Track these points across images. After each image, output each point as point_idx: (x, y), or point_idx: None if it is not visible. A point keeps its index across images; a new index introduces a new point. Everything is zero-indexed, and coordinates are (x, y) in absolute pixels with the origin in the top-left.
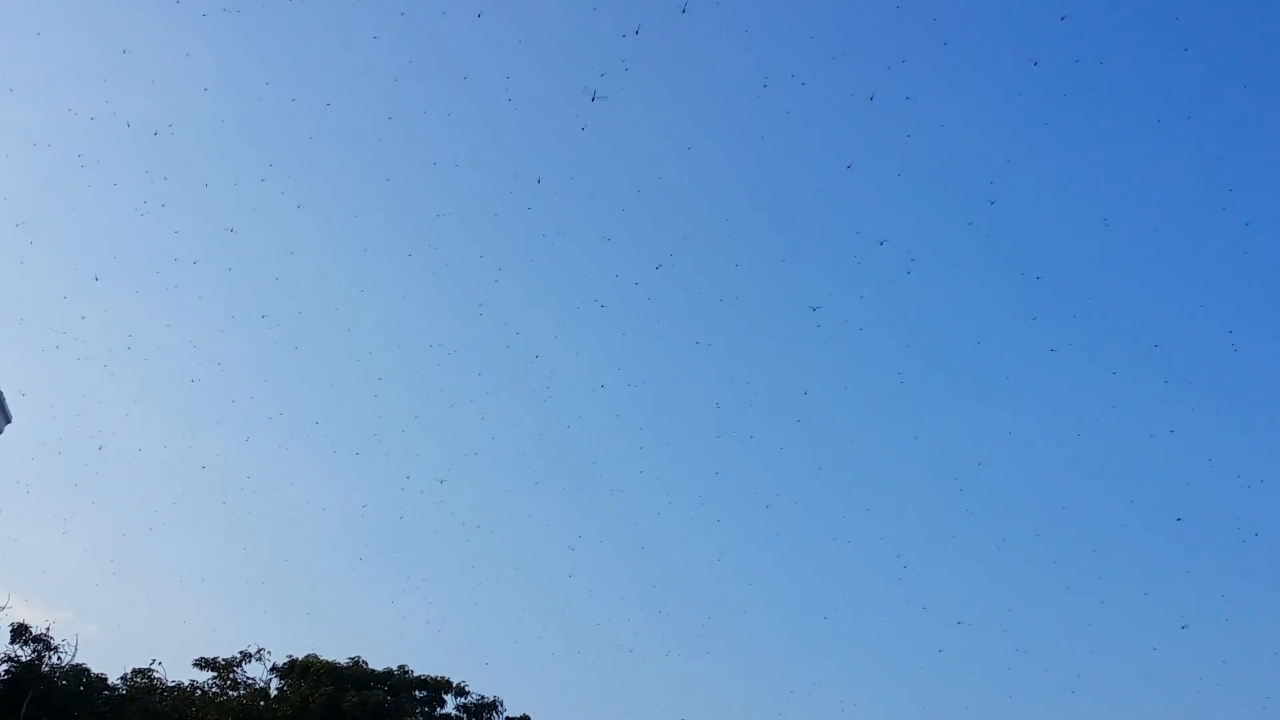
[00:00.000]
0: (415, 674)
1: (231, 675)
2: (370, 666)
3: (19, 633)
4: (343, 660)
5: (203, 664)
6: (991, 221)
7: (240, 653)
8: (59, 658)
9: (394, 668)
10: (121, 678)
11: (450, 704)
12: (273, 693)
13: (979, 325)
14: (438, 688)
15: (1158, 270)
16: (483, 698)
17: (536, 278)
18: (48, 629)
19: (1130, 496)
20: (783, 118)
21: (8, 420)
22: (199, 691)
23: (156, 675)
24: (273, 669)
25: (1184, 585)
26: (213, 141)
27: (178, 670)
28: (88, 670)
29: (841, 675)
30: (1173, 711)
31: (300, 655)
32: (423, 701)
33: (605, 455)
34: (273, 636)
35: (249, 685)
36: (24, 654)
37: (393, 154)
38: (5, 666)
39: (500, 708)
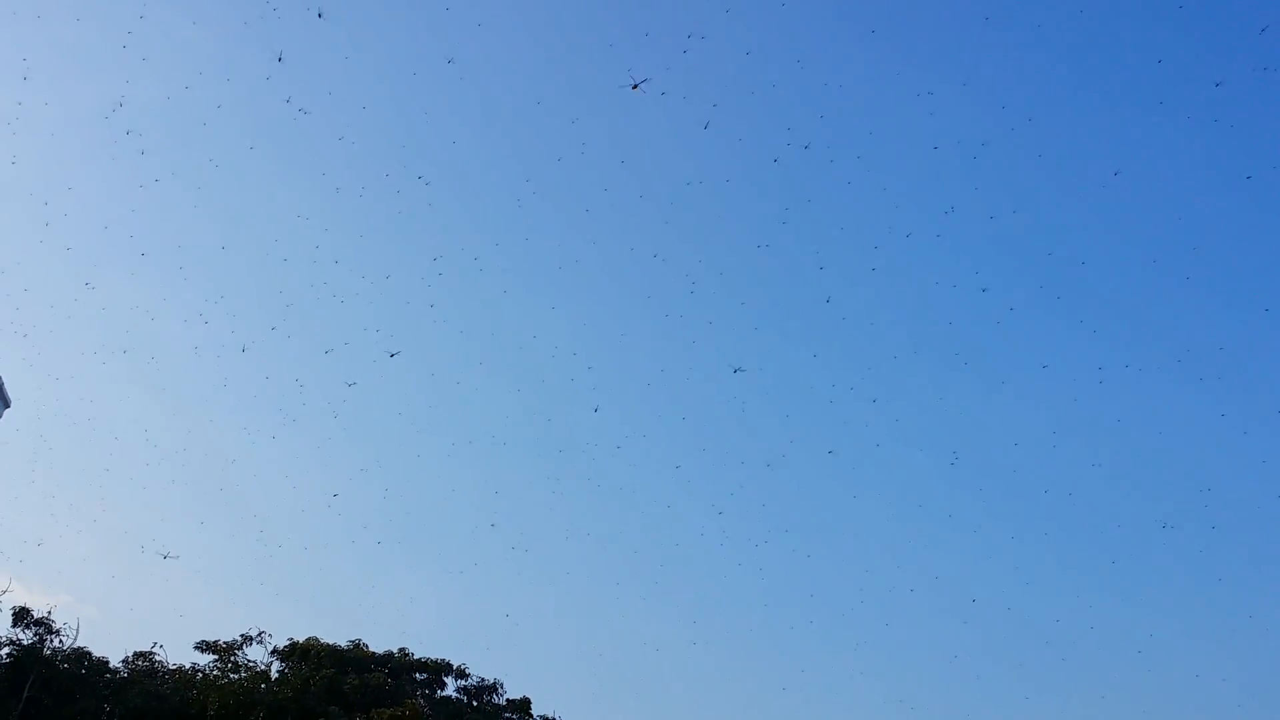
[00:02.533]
0: (415, 657)
1: (233, 658)
2: (371, 649)
3: (21, 616)
4: (343, 643)
5: (204, 647)
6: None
7: (241, 636)
8: (60, 641)
9: (394, 650)
10: (123, 661)
11: (451, 686)
12: (274, 675)
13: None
14: (438, 670)
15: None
16: (483, 680)
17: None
18: (49, 613)
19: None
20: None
21: (6, 405)
22: (200, 674)
23: (158, 658)
24: (273, 652)
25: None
26: (216, 128)
27: (179, 653)
28: (89, 653)
29: (850, 661)
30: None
31: (301, 638)
32: (423, 684)
33: (610, 443)
34: (273, 620)
35: (250, 668)
36: (25, 637)
37: (398, 141)
38: (7, 650)
39: (500, 690)
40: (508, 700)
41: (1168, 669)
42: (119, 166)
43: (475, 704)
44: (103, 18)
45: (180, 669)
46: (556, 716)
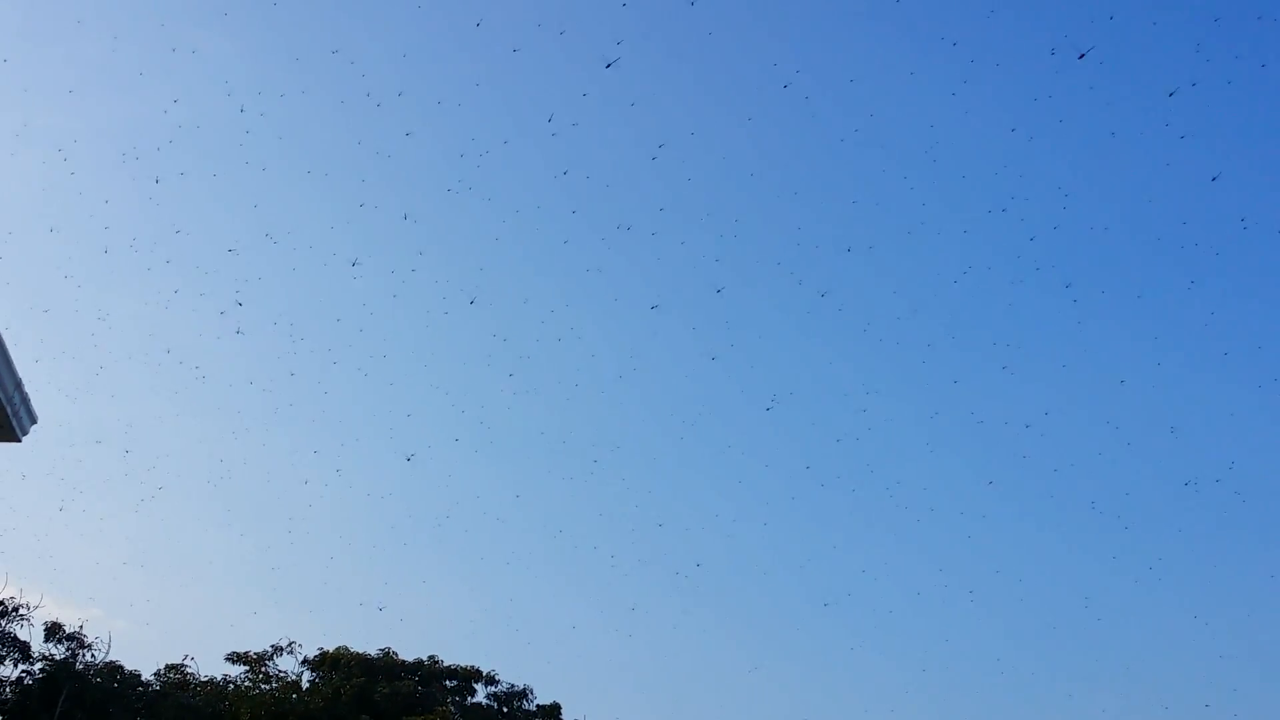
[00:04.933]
0: (445, 664)
1: (263, 669)
2: (400, 657)
3: (53, 631)
4: (373, 652)
5: (235, 658)
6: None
7: (272, 646)
8: (93, 655)
9: (424, 658)
10: (155, 674)
11: (481, 693)
12: (304, 685)
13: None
14: (468, 677)
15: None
16: (513, 686)
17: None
18: (80, 627)
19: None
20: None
21: (33, 421)
22: (232, 686)
23: (189, 671)
24: (304, 662)
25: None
26: (241, 140)
27: (210, 665)
28: (121, 667)
29: (870, 649)
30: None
31: (331, 647)
32: (453, 691)
33: (632, 440)
34: (304, 629)
35: (281, 678)
36: (58, 652)
37: (419, 143)
38: (40, 665)
39: (530, 696)
40: (538, 706)
41: (1207, 660)
42: (154, 180)
43: (505, 710)
44: (127, 33)
45: (212, 681)
46: None
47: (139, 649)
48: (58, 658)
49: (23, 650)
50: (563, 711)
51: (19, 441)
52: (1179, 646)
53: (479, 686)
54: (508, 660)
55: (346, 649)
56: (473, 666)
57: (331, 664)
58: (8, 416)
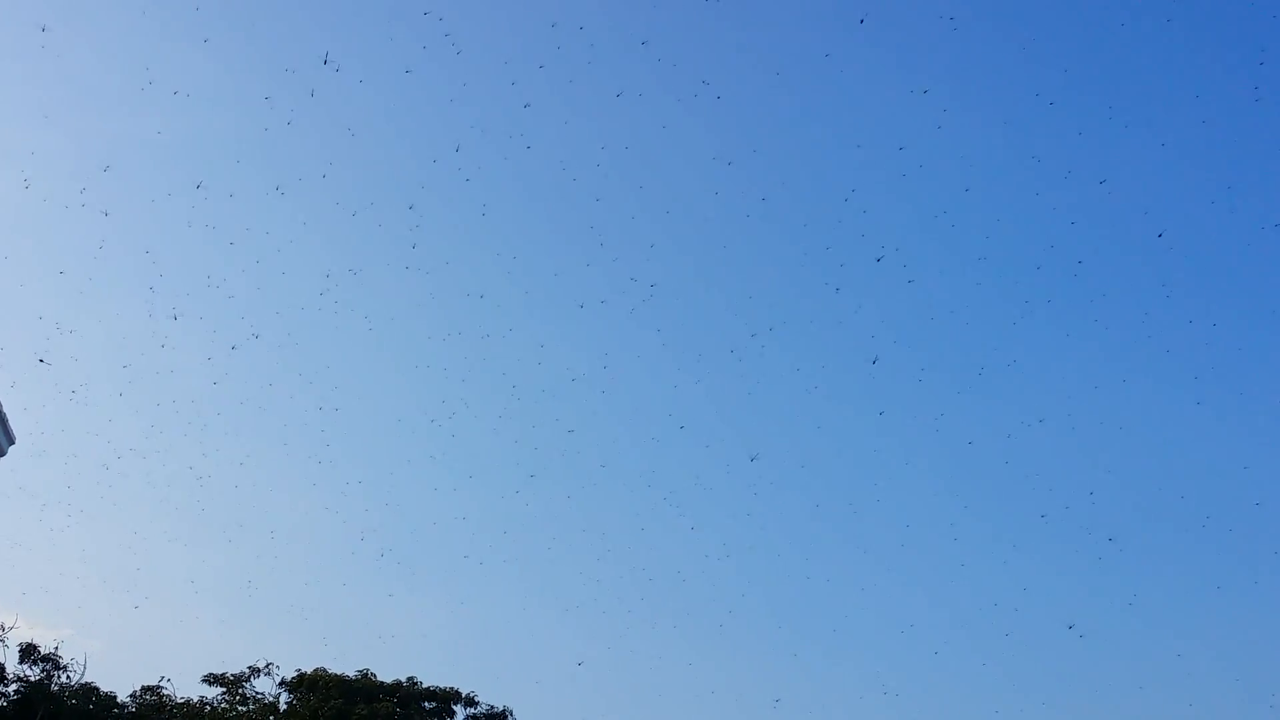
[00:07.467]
0: (424, 685)
1: (240, 690)
2: (379, 679)
3: (27, 652)
4: (351, 673)
5: (212, 680)
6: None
7: (249, 668)
8: (68, 677)
9: (403, 679)
10: (131, 695)
11: (460, 714)
12: (282, 707)
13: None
14: (447, 698)
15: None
16: (492, 708)
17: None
18: (56, 648)
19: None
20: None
21: (11, 442)
22: (208, 708)
23: (165, 692)
24: (281, 683)
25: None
26: (220, 155)
27: (186, 687)
28: (97, 689)
29: (847, 671)
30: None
31: (309, 669)
32: (432, 712)
33: (612, 460)
34: (281, 651)
35: (258, 700)
36: (33, 674)
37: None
38: (15, 686)
39: (510, 717)
40: None
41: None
42: (129, 196)
43: None
44: (115, 51)
45: (188, 702)
46: None
47: (114, 670)
48: (32, 679)
49: None
50: None
51: None
52: (1166, 677)
53: (458, 708)
54: (488, 681)
55: (324, 670)
56: (452, 688)
57: (309, 685)
58: None
